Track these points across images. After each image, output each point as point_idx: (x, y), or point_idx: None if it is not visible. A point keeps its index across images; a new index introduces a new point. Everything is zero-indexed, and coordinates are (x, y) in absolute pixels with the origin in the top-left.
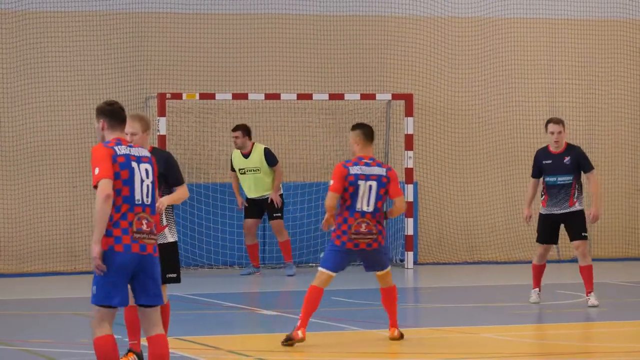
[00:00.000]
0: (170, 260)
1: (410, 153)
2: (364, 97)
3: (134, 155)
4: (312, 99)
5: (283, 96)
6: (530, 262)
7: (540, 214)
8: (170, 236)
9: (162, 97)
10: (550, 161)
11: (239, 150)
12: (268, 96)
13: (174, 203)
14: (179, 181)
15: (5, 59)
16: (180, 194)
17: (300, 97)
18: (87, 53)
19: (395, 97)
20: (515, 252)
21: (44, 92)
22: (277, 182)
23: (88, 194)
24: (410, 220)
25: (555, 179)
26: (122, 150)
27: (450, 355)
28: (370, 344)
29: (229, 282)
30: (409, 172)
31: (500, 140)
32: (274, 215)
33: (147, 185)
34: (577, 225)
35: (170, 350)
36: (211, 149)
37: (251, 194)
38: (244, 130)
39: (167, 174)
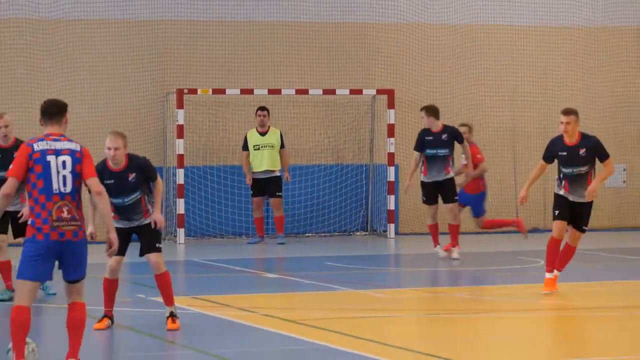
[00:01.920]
0: (155, 234)
1: (392, 140)
2: (353, 92)
3: (52, 149)
4: (308, 93)
5: (283, 91)
6: (496, 233)
7: (561, 196)
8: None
9: (180, 92)
10: (565, 153)
11: (254, 130)
12: (271, 91)
13: (160, 202)
14: (155, 178)
15: (43, 62)
16: (158, 189)
17: (298, 92)
18: (115, 55)
19: (379, 92)
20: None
21: (78, 89)
22: (287, 163)
23: None
24: (392, 197)
25: (571, 170)
26: (40, 146)
27: (426, 311)
28: (358, 302)
29: (237, 249)
30: (390, 156)
31: None
32: (277, 194)
33: (64, 176)
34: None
35: (187, 307)
36: (222, 136)
37: (262, 168)
38: (269, 111)
39: (147, 175)
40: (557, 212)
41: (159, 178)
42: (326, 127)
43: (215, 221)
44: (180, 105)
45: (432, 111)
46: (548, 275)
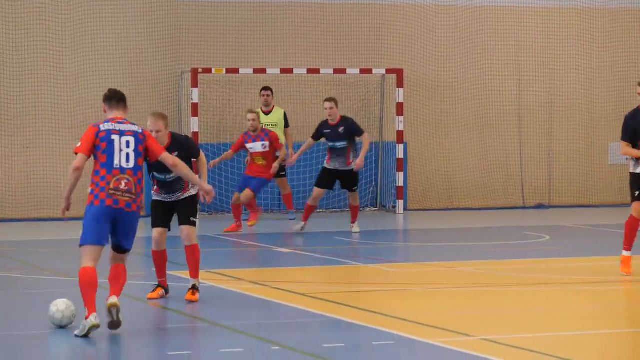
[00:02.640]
0: (191, 208)
1: (401, 118)
2: (363, 71)
3: (117, 130)
4: (319, 73)
5: (295, 71)
6: (500, 208)
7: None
8: (192, 190)
9: (194, 72)
10: None
11: (259, 109)
12: (283, 70)
13: (206, 173)
14: (197, 155)
15: (59, 41)
16: (202, 163)
17: (310, 71)
18: (133, 35)
19: (389, 71)
20: (487, 200)
21: (94, 68)
22: (291, 141)
23: None
24: (401, 174)
25: None
26: (106, 126)
27: (435, 285)
28: (367, 276)
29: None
30: (399, 134)
31: (475, 107)
32: (280, 173)
33: (127, 154)
34: None
35: (201, 281)
36: (236, 114)
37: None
38: (272, 91)
39: (189, 153)
40: (637, 192)
41: (201, 154)
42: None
43: (229, 197)
44: (194, 84)
45: (337, 103)
46: (626, 253)
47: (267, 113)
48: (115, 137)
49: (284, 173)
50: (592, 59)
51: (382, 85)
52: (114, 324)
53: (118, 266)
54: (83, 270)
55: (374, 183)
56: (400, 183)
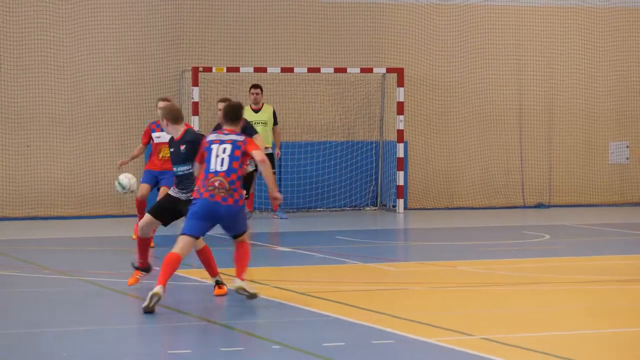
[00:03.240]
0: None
1: (401, 117)
2: (363, 70)
3: (218, 140)
4: (320, 72)
5: (296, 69)
6: (500, 207)
7: None
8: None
9: (195, 70)
10: None
11: (248, 106)
12: (284, 69)
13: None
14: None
15: (60, 39)
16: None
17: (310, 70)
18: (134, 34)
19: (389, 70)
20: (487, 199)
21: (95, 67)
22: (279, 139)
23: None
24: (401, 173)
25: None
26: (210, 137)
27: (434, 285)
28: (367, 275)
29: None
30: (400, 133)
31: (475, 106)
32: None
33: (222, 158)
34: None
35: (201, 280)
36: None
37: None
38: (262, 89)
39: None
40: None
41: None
42: (337, 104)
43: None
44: (195, 82)
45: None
46: None
47: (256, 111)
48: (214, 146)
49: (273, 170)
50: (593, 59)
51: (382, 84)
52: (251, 296)
53: (240, 244)
54: (169, 255)
55: (374, 182)
56: (401, 182)
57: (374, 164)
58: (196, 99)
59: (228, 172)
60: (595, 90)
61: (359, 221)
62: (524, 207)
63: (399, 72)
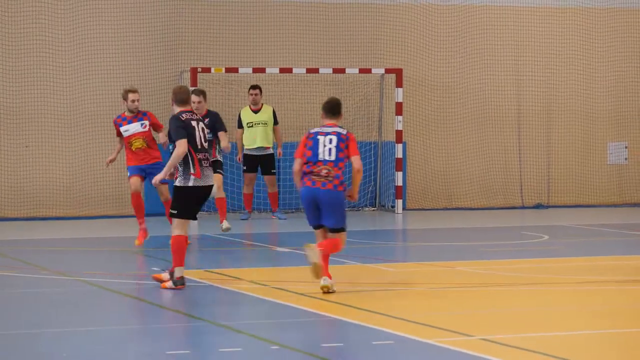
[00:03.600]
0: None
1: (400, 118)
2: (362, 71)
3: (323, 132)
4: (318, 72)
5: (295, 70)
6: (499, 208)
7: None
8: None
9: (194, 71)
10: None
11: (247, 107)
12: (282, 70)
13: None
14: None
15: (58, 39)
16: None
17: (309, 70)
18: (133, 34)
19: (388, 71)
20: (486, 200)
21: (93, 67)
22: (280, 139)
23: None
24: (400, 174)
25: None
26: (314, 129)
27: (433, 285)
28: (366, 275)
29: (248, 224)
30: (399, 134)
31: (474, 107)
32: (271, 171)
33: (329, 149)
34: None
35: (200, 280)
36: (235, 113)
37: (255, 145)
38: (261, 89)
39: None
40: None
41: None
42: None
43: (228, 196)
44: (194, 83)
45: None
46: None
47: (255, 111)
48: (320, 137)
49: (274, 171)
50: (591, 59)
51: (381, 84)
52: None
53: (334, 240)
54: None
55: (372, 182)
56: (399, 183)
57: (373, 165)
58: None
59: (335, 162)
60: (594, 91)
61: (358, 221)
62: (523, 207)
63: (398, 72)
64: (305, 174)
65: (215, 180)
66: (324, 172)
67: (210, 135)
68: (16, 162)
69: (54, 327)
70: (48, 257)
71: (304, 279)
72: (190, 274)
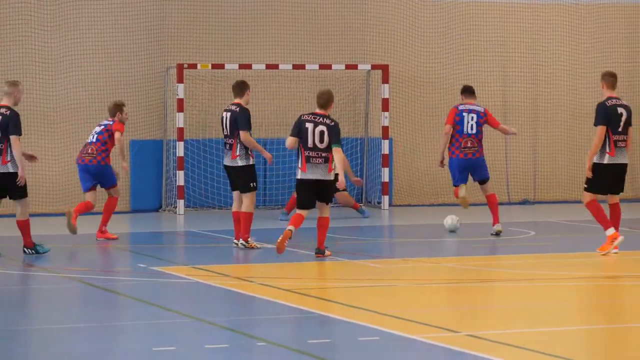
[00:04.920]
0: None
1: (386, 114)
2: (348, 67)
3: (467, 109)
4: (305, 68)
5: (281, 66)
6: (485, 204)
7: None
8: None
9: (180, 67)
10: None
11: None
12: (268, 66)
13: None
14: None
15: (45, 36)
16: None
17: (295, 67)
18: (118, 31)
19: (374, 67)
20: (472, 196)
21: (80, 63)
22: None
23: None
24: (386, 170)
25: None
26: (461, 107)
27: (420, 281)
28: (353, 272)
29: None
30: (385, 130)
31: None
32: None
33: (472, 125)
34: None
35: (186, 277)
36: (221, 110)
37: None
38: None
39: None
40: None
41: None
42: None
43: (214, 192)
44: (180, 79)
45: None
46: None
47: None
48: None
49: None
50: (578, 55)
51: (367, 81)
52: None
53: (493, 196)
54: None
55: (359, 178)
56: (386, 179)
57: (359, 161)
58: (181, 96)
59: (476, 135)
60: (580, 87)
61: (344, 218)
62: (509, 203)
63: (384, 68)
64: (457, 145)
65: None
66: (468, 143)
67: None
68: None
69: (41, 324)
70: (36, 254)
71: (290, 276)
72: (177, 271)
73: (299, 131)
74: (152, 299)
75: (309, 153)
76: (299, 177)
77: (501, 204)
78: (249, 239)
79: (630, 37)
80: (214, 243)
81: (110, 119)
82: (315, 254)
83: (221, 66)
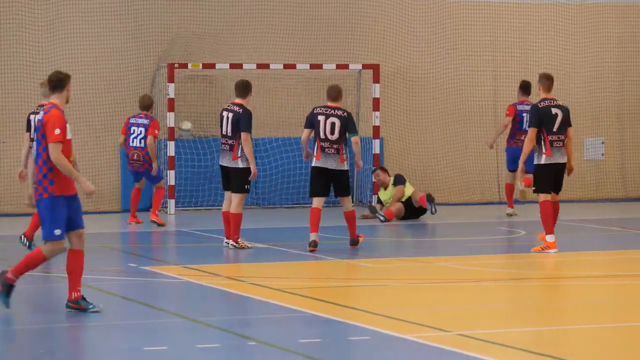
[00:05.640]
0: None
1: (377, 113)
2: (339, 66)
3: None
4: (296, 68)
5: (272, 66)
6: (476, 204)
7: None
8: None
9: (171, 67)
10: None
11: None
12: (259, 66)
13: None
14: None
15: (36, 36)
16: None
17: (286, 67)
18: (109, 30)
19: (365, 66)
20: (463, 195)
21: (71, 63)
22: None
23: (111, 146)
24: None
25: None
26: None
27: (411, 281)
28: (344, 271)
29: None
30: (376, 129)
31: (451, 102)
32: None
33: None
34: None
35: (177, 276)
36: (211, 109)
37: None
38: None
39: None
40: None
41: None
42: (313, 101)
43: (205, 192)
44: (171, 79)
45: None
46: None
47: None
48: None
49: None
50: (568, 54)
51: (358, 80)
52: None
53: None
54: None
55: (350, 178)
56: None
57: (350, 161)
58: (172, 95)
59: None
60: (571, 87)
61: (335, 217)
62: (500, 203)
63: (375, 68)
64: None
65: None
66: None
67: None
68: None
69: (33, 324)
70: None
71: (281, 275)
72: (167, 270)
73: (312, 123)
74: (142, 298)
75: (322, 144)
76: (313, 164)
77: (492, 203)
78: (239, 240)
79: (621, 37)
80: (204, 243)
81: (142, 115)
82: (350, 245)
83: (212, 66)
